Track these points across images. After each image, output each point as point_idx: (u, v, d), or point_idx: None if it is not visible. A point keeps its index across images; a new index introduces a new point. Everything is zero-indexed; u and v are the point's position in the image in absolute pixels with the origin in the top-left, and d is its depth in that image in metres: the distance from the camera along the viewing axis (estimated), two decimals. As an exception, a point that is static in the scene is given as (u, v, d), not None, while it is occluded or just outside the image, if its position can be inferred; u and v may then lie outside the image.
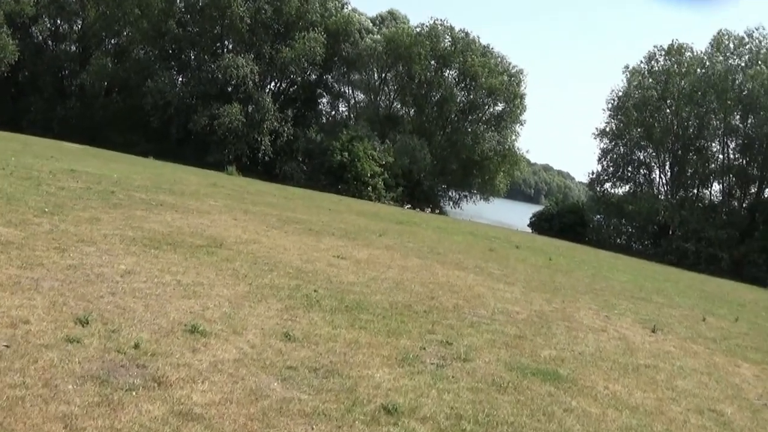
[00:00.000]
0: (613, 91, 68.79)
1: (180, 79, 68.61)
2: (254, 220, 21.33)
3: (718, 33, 63.36)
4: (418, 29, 71.15)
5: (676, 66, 64.92)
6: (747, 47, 62.07)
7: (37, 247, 11.68)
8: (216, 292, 10.68)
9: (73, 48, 73.02)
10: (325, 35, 65.44)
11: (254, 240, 16.98)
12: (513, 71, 72.39)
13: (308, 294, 11.69)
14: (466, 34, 71.44)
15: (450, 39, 71.08)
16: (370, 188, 60.82)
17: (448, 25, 71.67)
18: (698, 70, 64.36)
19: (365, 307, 11.51)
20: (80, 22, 72.01)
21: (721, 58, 62.93)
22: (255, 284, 11.75)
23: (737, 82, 61.52)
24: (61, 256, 11.41)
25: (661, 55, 66.24)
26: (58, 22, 72.18)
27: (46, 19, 71.13)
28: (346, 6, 72.62)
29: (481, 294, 15.29)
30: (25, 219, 14.07)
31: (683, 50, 64.74)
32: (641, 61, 67.99)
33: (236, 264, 13.24)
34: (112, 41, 73.16)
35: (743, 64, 61.96)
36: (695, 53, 64.99)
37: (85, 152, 43.46)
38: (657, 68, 66.51)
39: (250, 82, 62.94)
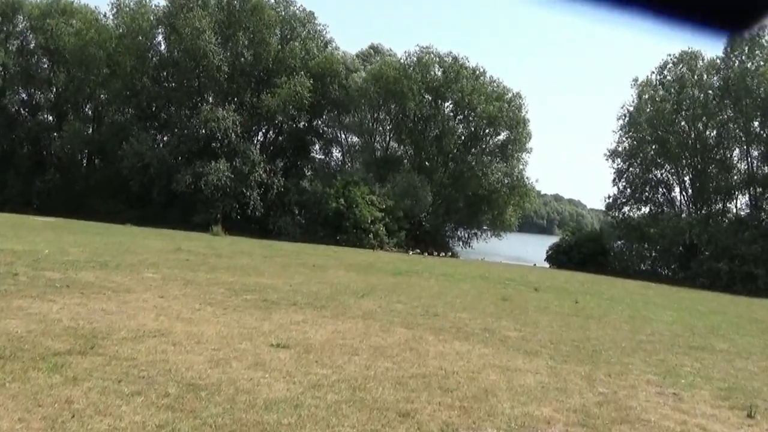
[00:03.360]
0: (623, 106, 64.47)
1: (163, 138, 64.61)
2: (190, 296, 16.58)
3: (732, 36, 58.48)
4: (403, 60, 66.73)
5: (689, 74, 60.31)
6: (763, 50, 57.40)
7: None
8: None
9: (49, 117, 68.97)
10: (310, 79, 60.93)
11: (161, 330, 12.10)
12: (510, 96, 68.01)
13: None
14: (455, 59, 67.05)
15: (439, 67, 66.68)
16: (371, 235, 56.68)
17: (436, 52, 67.45)
18: (714, 76, 59.96)
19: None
20: (54, 89, 67.91)
21: (737, 62, 58.33)
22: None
23: (753, 85, 56.92)
24: None
25: (673, 64, 61.55)
26: (31, 91, 68.33)
27: (19, 89, 67.54)
28: (329, 44, 68.33)
29: (489, 387, 10.15)
30: None
31: (696, 57, 60.10)
32: (652, 72, 63.79)
33: (82, 388, 8.13)
34: (87, 106, 69.06)
35: (756, 66, 57.32)
36: (707, 60, 60.44)
37: (48, 226, 39.33)
38: (669, 78, 61.88)
39: (233, 135, 58.61)
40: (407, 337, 13.66)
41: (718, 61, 59.53)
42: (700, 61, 60.62)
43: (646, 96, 62.30)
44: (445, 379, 10.34)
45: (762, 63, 57.22)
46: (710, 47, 58.07)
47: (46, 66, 67.95)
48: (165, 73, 65.11)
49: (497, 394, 9.69)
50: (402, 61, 66.88)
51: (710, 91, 59.75)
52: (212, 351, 10.82)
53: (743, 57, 58.42)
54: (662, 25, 2.99)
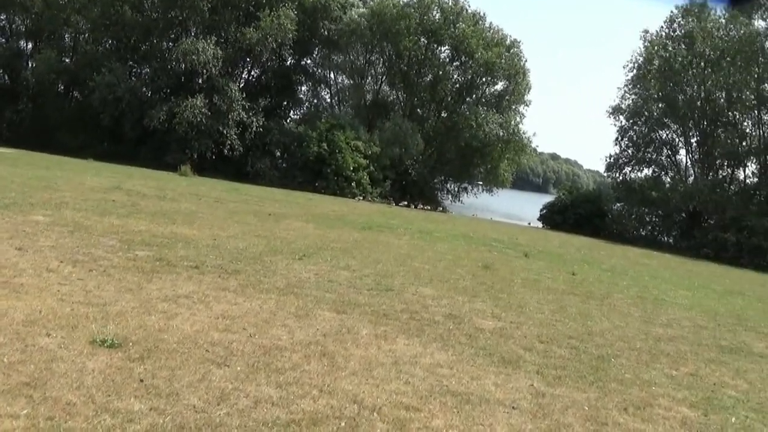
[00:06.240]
0: (631, 59, 60.13)
1: (140, 70, 60.85)
2: (61, 248, 12.50)
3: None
4: (405, 0, 62.33)
5: (698, 29, 56.08)
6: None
7: None
8: None
9: (26, 44, 64.62)
10: (297, 12, 56.91)
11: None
12: (509, 42, 64.51)
13: None
14: (455, 1, 62.86)
15: (439, 9, 62.43)
16: (353, 184, 52.92)
17: (436, -7, 62.90)
18: (723, 33, 55.94)
19: None
20: (32, 15, 63.36)
21: (743, 19, 54.13)
22: None
23: (765, 45, 53.10)
24: None
25: (682, 17, 57.46)
26: (7, 15, 63.90)
27: (-4, 14, 63.32)
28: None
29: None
30: None
31: (705, 11, 55.72)
32: (661, 27, 59.46)
33: None
34: (67, 34, 64.55)
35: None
36: (717, 15, 56.32)
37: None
38: (679, 33, 57.70)
39: (213, 69, 54.35)
40: (329, 329, 9.42)
41: (727, 17, 55.35)
42: (711, 15, 56.33)
43: (655, 49, 58.09)
44: (354, 427, 6.09)
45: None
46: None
47: (24, -11, 63.21)
48: (149, 3, 60.34)
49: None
50: (405, 1, 62.80)
51: (720, 48, 55.60)
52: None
53: (751, 13, 54.26)
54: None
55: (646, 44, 59.12)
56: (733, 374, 10.69)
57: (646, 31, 59.54)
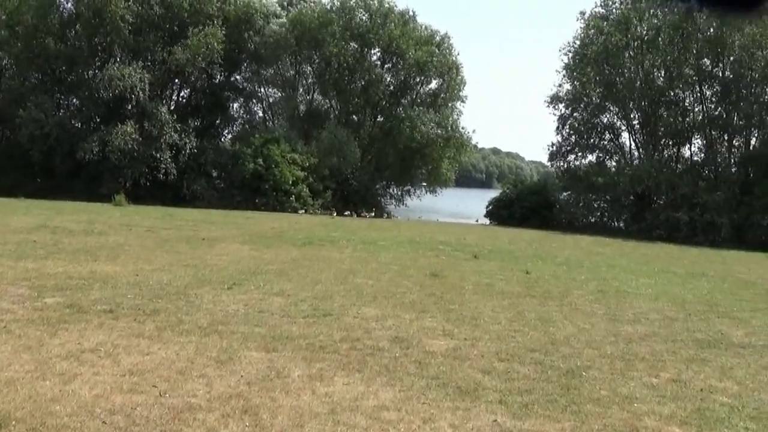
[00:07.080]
0: (567, 43, 59.47)
1: (68, 102, 59.91)
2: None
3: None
4: (327, 6, 61.74)
5: (632, 9, 55.45)
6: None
7: None
8: None
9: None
10: (224, 29, 56.08)
11: None
12: (438, 38, 63.83)
13: None
14: (380, 2, 61.94)
15: (365, 11, 61.55)
16: (293, 197, 52.04)
17: (360, -5, 62.02)
18: (656, 10, 55.23)
19: None
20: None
21: (680, -4, 53.75)
22: None
23: (700, 21, 52.57)
24: None
25: (618, -3, 56.88)
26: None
27: None
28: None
29: None
30: None
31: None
32: (596, 4, 58.54)
33: None
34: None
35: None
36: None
37: None
38: (615, 14, 57.02)
39: (141, 94, 53.03)
40: (255, 375, 8.09)
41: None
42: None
43: (591, 32, 57.38)
44: None
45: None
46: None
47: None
48: (72, 32, 58.78)
49: None
50: (327, 6, 62.23)
51: (657, 28, 55.24)
52: None
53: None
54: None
55: (582, 26, 58.43)
56: (719, 374, 9.62)
57: (583, 13, 58.86)
